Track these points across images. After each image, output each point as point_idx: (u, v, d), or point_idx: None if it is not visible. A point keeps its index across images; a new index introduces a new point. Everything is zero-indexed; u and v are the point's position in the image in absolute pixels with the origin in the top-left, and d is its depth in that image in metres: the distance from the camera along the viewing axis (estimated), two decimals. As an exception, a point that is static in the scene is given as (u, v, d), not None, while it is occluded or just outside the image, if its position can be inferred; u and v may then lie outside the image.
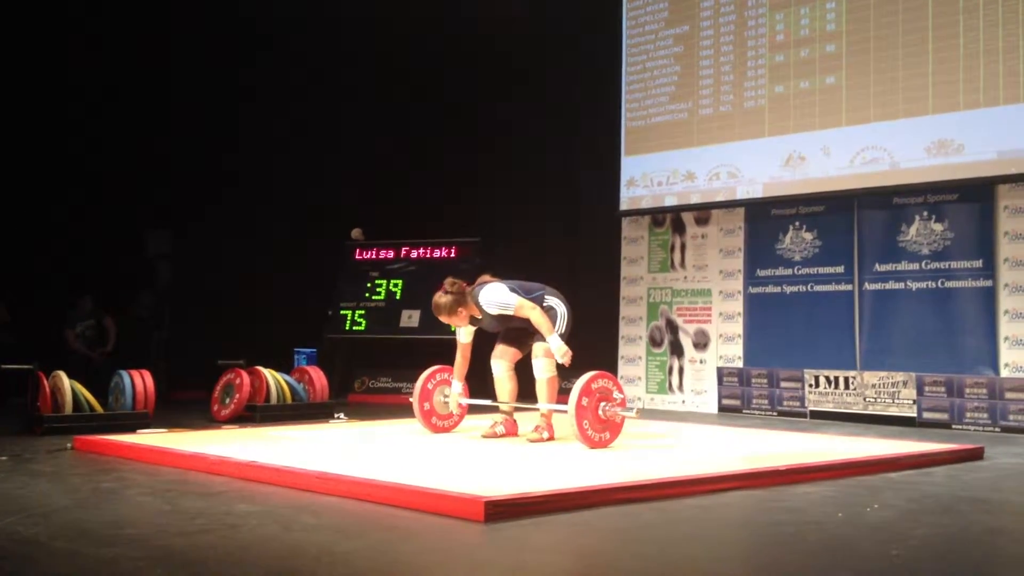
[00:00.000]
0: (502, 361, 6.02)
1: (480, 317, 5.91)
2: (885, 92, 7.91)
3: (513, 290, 5.79)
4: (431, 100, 10.91)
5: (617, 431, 5.53)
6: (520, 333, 5.95)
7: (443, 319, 5.91)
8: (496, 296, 5.77)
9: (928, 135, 7.69)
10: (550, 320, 5.67)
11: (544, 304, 5.79)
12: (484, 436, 5.99)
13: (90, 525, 3.62)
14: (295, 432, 6.37)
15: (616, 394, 5.47)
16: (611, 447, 5.43)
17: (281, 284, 10.61)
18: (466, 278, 6.08)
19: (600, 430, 5.43)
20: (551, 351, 5.62)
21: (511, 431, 6.04)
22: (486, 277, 6.00)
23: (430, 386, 6.31)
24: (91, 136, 10.46)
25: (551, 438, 5.81)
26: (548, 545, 3.47)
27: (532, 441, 5.73)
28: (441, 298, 5.85)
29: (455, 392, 6.18)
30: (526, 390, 6.01)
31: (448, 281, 5.90)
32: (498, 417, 6.09)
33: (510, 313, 5.73)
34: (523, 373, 5.99)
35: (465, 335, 6.08)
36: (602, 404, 5.41)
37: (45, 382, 6.75)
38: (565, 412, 5.40)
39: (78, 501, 4.12)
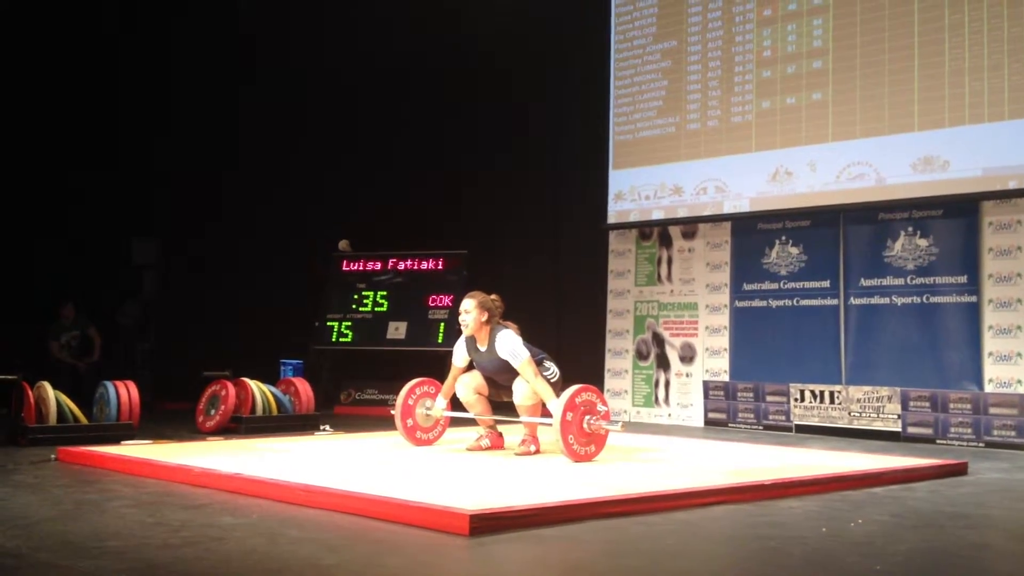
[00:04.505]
0: (468, 387, 6.03)
1: (483, 350, 5.90)
2: (871, 108, 7.96)
3: (525, 345, 5.81)
4: (421, 112, 10.92)
5: (602, 444, 5.54)
6: (495, 372, 5.98)
7: (466, 309, 5.87)
8: (512, 343, 5.77)
9: (914, 151, 7.74)
10: (550, 387, 5.67)
11: (543, 367, 5.80)
12: (469, 449, 5.99)
13: (73, 537, 3.60)
14: (280, 444, 6.35)
15: (600, 407, 5.48)
16: (596, 460, 5.44)
17: (267, 295, 10.58)
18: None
19: (585, 443, 5.43)
20: (539, 393, 5.65)
21: (496, 444, 6.04)
22: (511, 324, 6.02)
23: (411, 402, 6.30)
24: (77, 141, 10.43)
25: (537, 451, 5.81)
26: (533, 559, 3.47)
27: (519, 455, 5.73)
28: (482, 297, 5.90)
29: (439, 407, 6.21)
30: (506, 405, 6.03)
31: (496, 296, 5.99)
32: (483, 430, 6.09)
33: (514, 364, 5.73)
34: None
35: (462, 360, 6.09)
36: (587, 417, 5.42)
37: (30, 392, 6.71)
38: (550, 426, 5.41)
39: (61, 513, 4.10)
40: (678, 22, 9.22)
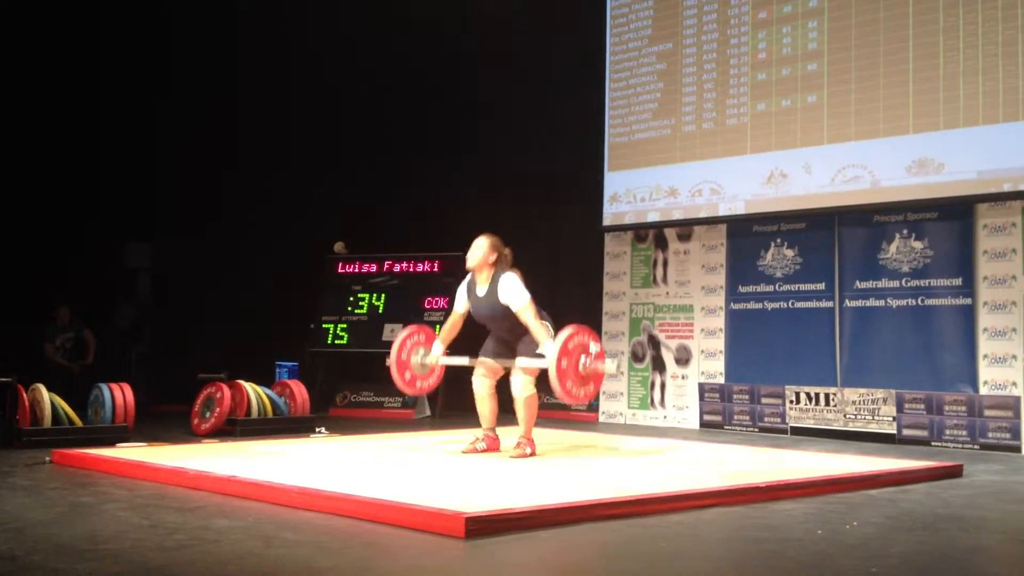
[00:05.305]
0: (485, 380, 6.00)
1: (482, 294, 5.86)
2: (866, 111, 7.98)
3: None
4: (417, 113, 10.92)
5: (600, 381, 5.59)
6: (504, 348, 5.95)
7: (478, 245, 5.88)
8: (514, 284, 5.74)
9: (909, 154, 7.75)
10: (546, 330, 5.63)
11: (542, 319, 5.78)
12: (465, 452, 5.98)
13: (67, 540, 3.59)
14: (276, 446, 6.35)
15: (593, 346, 5.48)
16: (594, 461, 5.43)
17: (262, 297, 10.57)
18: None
19: (583, 385, 5.45)
20: (532, 369, 5.62)
21: (492, 447, 6.03)
22: (517, 270, 5.98)
23: (404, 356, 6.20)
24: (71, 144, 10.42)
25: (533, 453, 5.81)
26: (529, 561, 3.47)
27: (515, 457, 5.73)
28: (496, 239, 5.90)
29: (435, 353, 6.14)
30: (506, 406, 6.02)
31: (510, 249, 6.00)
32: (479, 433, 6.08)
33: (513, 307, 5.68)
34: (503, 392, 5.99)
35: (461, 305, 6.05)
36: (581, 359, 5.42)
37: (24, 395, 6.70)
38: (545, 367, 5.40)
39: (56, 515, 4.09)
40: (673, 24, 9.23)
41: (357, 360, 10.28)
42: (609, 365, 5.49)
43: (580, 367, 5.41)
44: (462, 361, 6.11)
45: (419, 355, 6.21)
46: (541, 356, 5.60)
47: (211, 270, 10.88)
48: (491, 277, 5.84)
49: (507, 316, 5.77)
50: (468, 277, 6.01)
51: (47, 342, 9.81)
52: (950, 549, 3.74)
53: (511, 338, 5.88)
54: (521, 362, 5.76)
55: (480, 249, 5.89)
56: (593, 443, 6.82)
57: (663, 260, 9.34)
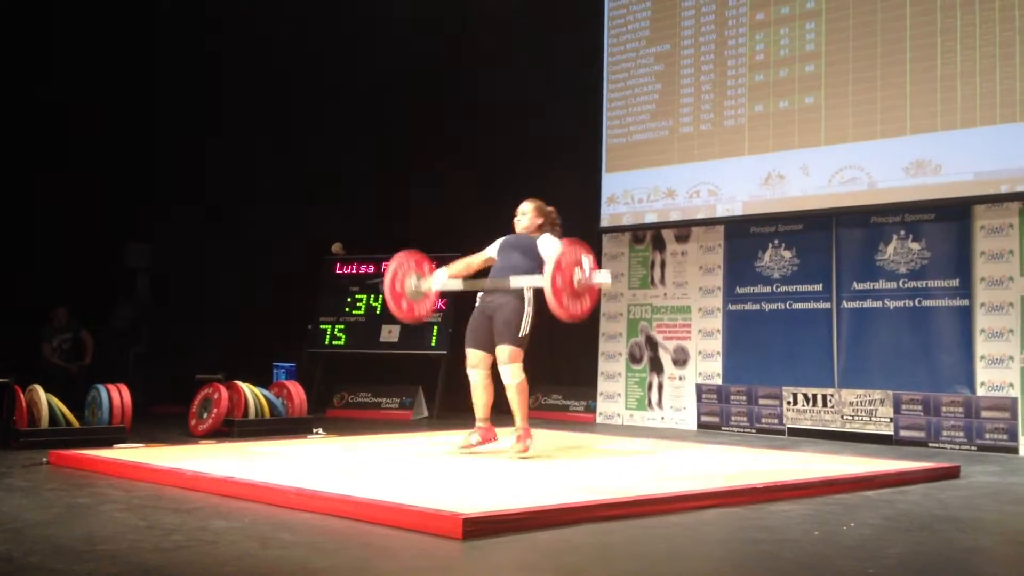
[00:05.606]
0: (479, 370, 5.99)
1: (519, 245, 5.90)
2: (863, 112, 7.98)
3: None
4: (415, 114, 10.92)
5: (595, 295, 5.62)
6: (488, 338, 5.92)
7: (523, 211, 5.98)
8: (555, 242, 5.77)
9: (906, 155, 7.76)
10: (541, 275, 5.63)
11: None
12: (461, 448, 5.99)
13: (64, 541, 3.59)
14: (273, 447, 6.34)
15: (586, 260, 5.51)
16: (591, 462, 5.43)
17: (260, 299, 10.57)
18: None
19: (578, 299, 5.49)
20: (515, 354, 5.70)
21: (487, 438, 6.03)
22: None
23: (398, 288, 6.15)
24: (70, 145, 10.41)
25: (529, 437, 5.81)
26: (526, 563, 3.47)
27: (520, 457, 5.70)
28: (541, 203, 6.01)
29: (438, 279, 6.11)
30: (504, 407, 6.02)
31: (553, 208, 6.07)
32: (472, 427, 6.09)
33: (546, 254, 5.69)
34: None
35: (491, 251, 6.09)
36: (576, 273, 5.44)
37: (21, 395, 6.69)
38: (540, 286, 5.46)
39: (53, 516, 4.09)
40: (671, 25, 9.24)
41: (355, 361, 10.28)
42: (604, 276, 5.53)
43: (575, 282, 5.44)
44: (456, 285, 6.10)
45: (412, 280, 6.15)
46: (522, 335, 5.72)
47: (209, 271, 10.87)
48: (537, 230, 6.00)
49: (528, 251, 5.85)
50: (509, 235, 6.05)
51: (44, 343, 9.80)
52: (947, 550, 3.74)
53: (514, 270, 5.87)
54: (516, 281, 5.76)
55: (526, 215, 6.03)
56: (590, 444, 6.83)
57: (661, 261, 9.35)
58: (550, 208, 6.09)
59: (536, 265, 5.80)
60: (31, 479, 5.16)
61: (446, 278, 6.12)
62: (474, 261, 6.17)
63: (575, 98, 10.07)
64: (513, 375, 5.77)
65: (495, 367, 5.92)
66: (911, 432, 7.65)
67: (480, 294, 6.01)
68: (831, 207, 8.15)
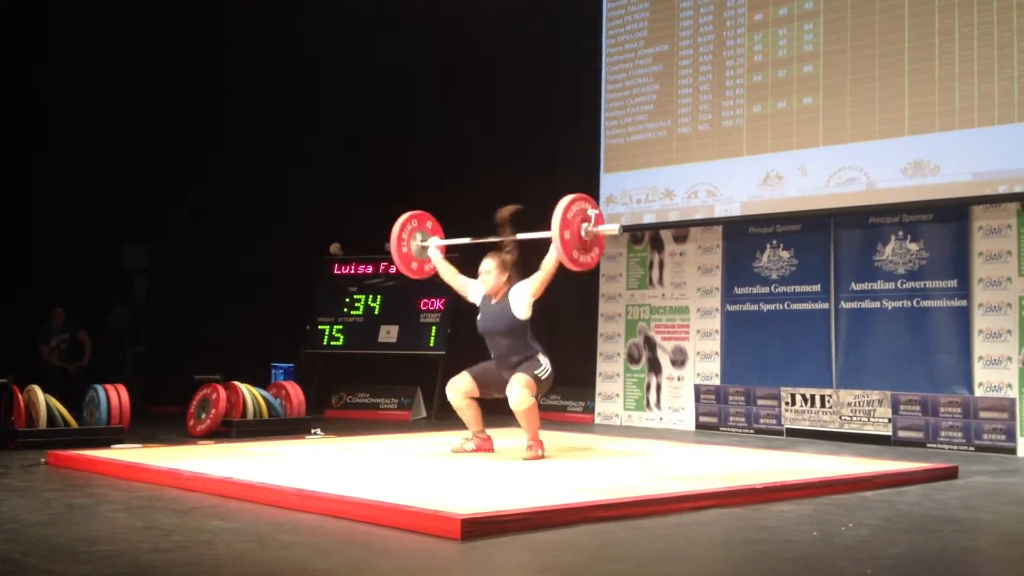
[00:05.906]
0: (457, 394, 5.95)
1: (495, 302, 5.90)
2: (862, 113, 7.98)
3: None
4: (413, 114, 10.91)
5: (603, 245, 5.74)
6: (491, 380, 5.92)
7: (486, 270, 5.95)
8: (524, 288, 5.81)
9: (904, 156, 7.76)
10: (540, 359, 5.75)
11: (537, 361, 5.80)
12: (454, 451, 5.98)
13: (63, 541, 3.59)
14: (271, 448, 6.34)
15: (591, 210, 5.57)
16: (589, 463, 5.43)
17: (259, 299, 10.56)
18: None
19: (587, 251, 5.58)
20: (531, 384, 5.65)
21: (483, 447, 6.02)
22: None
23: (404, 250, 6.43)
24: (67, 146, 10.41)
25: (543, 452, 5.77)
26: (525, 563, 3.47)
27: (529, 459, 5.67)
28: (501, 257, 5.98)
29: (434, 249, 6.39)
30: (500, 406, 6.00)
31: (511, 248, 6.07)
32: (467, 433, 6.07)
33: (526, 290, 5.76)
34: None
35: (472, 296, 6.09)
36: (583, 226, 5.51)
37: (19, 396, 6.69)
38: (548, 236, 5.54)
39: (51, 517, 4.09)
40: (669, 26, 9.24)
41: (353, 361, 10.28)
42: (610, 227, 5.60)
43: (582, 233, 5.52)
44: (463, 240, 6.32)
45: (417, 239, 6.44)
46: (539, 374, 5.70)
47: (207, 271, 10.86)
48: (505, 293, 5.90)
49: (511, 329, 5.79)
50: (485, 297, 6.03)
51: (42, 343, 9.80)
52: (945, 550, 3.74)
53: (509, 353, 5.84)
54: (522, 234, 5.88)
55: (490, 275, 5.94)
56: (589, 444, 6.82)
57: (659, 262, 9.35)
58: (507, 251, 6.00)
59: (524, 334, 5.81)
60: (29, 479, 5.16)
61: (440, 256, 6.38)
62: (458, 280, 6.23)
63: (574, 98, 10.07)
64: (522, 401, 5.63)
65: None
66: (909, 433, 7.65)
67: (494, 353, 5.98)
68: (829, 208, 8.15)
